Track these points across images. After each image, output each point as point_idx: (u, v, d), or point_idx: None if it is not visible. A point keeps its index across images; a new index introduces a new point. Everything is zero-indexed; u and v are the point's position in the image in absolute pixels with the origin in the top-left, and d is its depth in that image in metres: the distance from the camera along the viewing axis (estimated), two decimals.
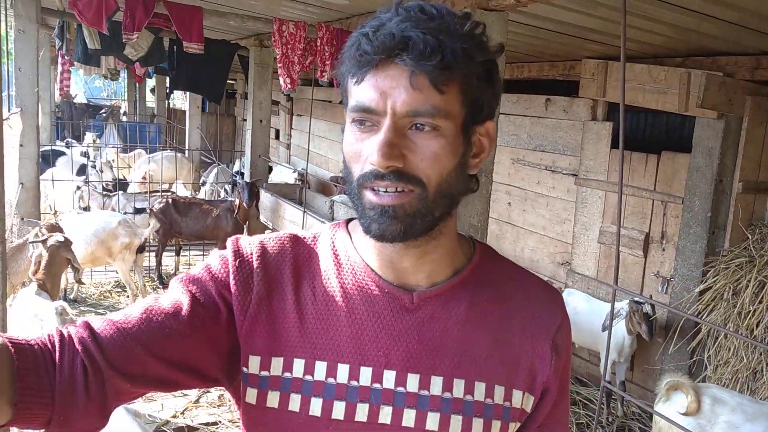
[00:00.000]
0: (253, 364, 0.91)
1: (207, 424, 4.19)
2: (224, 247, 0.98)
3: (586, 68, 5.20)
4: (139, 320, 0.87)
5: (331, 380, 0.89)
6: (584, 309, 4.78)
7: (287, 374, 0.90)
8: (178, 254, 7.71)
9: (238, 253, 0.94)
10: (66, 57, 6.67)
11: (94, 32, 5.53)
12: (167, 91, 15.14)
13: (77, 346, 0.83)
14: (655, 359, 4.78)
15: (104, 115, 16.04)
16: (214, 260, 0.95)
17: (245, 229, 7.23)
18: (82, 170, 8.99)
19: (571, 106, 5.51)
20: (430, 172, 0.85)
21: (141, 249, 6.12)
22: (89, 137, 11.49)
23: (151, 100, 18.97)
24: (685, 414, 3.24)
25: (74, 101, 15.73)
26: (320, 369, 0.89)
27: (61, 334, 0.84)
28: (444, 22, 0.84)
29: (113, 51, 6.01)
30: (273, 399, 0.90)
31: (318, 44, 4.98)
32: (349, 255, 0.96)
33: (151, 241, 7.00)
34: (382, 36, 0.83)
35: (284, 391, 0.90)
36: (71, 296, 6.40)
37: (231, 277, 0.92)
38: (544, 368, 0.95)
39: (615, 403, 4.81)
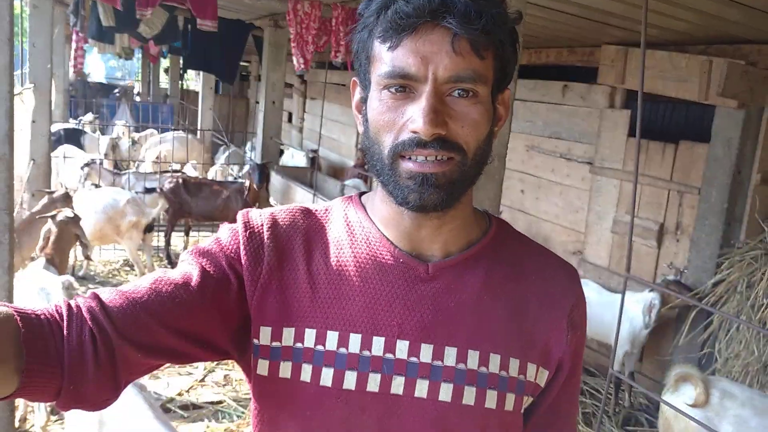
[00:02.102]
0: (264, 335, 0.90)
1: (212, 403, 4.20)
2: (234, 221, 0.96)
3: (605, 54, 5.10)
4: (148, 290, 0.85)
5: (342, 350, 0.87)
6: (596, 301, 4.73)
7: (299, 344, 0.88)
8: (187, 234, 7.70)
9: (248, 225, 0.93)
10: (80, 34, 6.65)
11: (108, 9, 5.49)
12: (180, 70, 15.18)
13: (85, 315, 0.81)
14: (665, 350, 4.73)
15: (118, 94, 16.05)
16: (224, 233, 0.94)
17: None
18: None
19: (588, 93, 5.42)
20: (469, 139, 0.84)
21: (149, 228, 6.11)
22: (89, 116, 11.47)
23: (164, 81, 18.98)
24: (693, 406, 3.20)
25: (89, 80, 15.75)
26: (332, 339, 0.88)
27: (69, 304, 0.82)
28: None
29: (127, 28, 5.98)
30: (285, 370, 0.89)
31: (333, 24, 4.93)
32: (364, 226, 0.94)
33: (161, 220, 6.99)
34: None
35: (296, 361, 0.88)
36: (80, 273, 6.41)
37: (241, 248, 0.91)
38: (559, 343, 0.94)
39: (622, 393, 4.77)
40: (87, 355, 0.79)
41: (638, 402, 4.79)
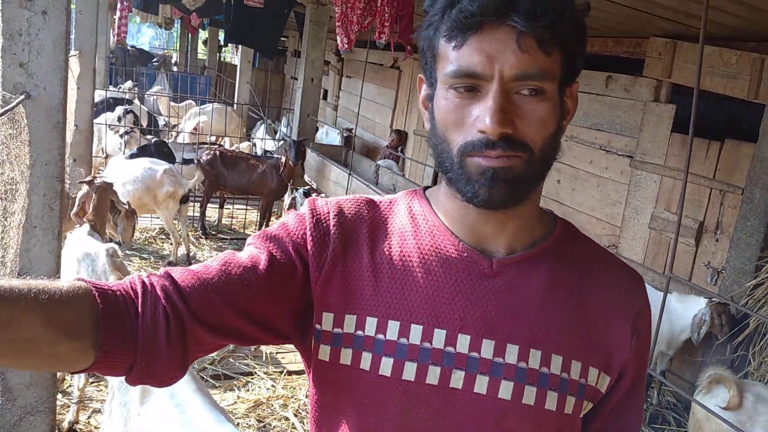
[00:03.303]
0: (327, 320, 0.91)
1: (242, 374, 4.27)
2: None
3: (652, 47, 5.00)
4: (219, 272, 0.87)
5: (403, 340, 0.88)
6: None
7: (359, 332, 0.89)
8: (221, 207, 7.80)
9: (314, 212, 0.94)
10: (125, 3, 6.70)
11: None
12: (219, 43, 15.23)
13: (159, 293, 0.83)
14: (697, 350, 4.68)
15: (156, 63, 16.19)
16: (291, 219, 0.95)
17: (289, 187, 7.27)
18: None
19: (633, 86, 5.32)
20: (536, 137, 0.83)
21: (185, 199, 6.19)
22: (128, 84, 11.58)
23: (202, 52, 19.08)
24: (726, 408, 3.16)
25: (128, 47, 15.90)
26: (393, 328, 0.88)
27: (143, 282, 0.84)
28: None
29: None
30: (345, 356, 0.90)
31: (378, 4, 4.89)
32: (428, 218, 0.95)
33: (196, 191, 7.08)
34: None
35: (356, 348, 0.89)
36: (117, 239, 6.52)
37: (308, 234, 0.92)
38: (623, 350, 0.92)
39: (651, 390, 4.74)
40: (160, 333, 0.81)
41: (666, 400, 4.75)
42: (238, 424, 3.73)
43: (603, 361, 0.92)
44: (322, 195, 6.96)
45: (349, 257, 0.92)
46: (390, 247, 0.92)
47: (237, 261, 0.89)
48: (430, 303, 0.88)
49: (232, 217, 7.96)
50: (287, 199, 7.38)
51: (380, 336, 0.88)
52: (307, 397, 4.13)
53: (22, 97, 2.20)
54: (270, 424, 3.81)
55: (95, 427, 3.61)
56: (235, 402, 3.94)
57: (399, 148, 8.29)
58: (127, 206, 4.81)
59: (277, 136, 9.18)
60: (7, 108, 1.90)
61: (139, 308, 0.81)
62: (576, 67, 0.88)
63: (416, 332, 0.88)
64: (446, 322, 0.88)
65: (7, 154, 1.79)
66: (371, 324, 0.89)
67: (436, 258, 0.91)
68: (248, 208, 7.94)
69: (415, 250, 0.92)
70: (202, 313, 0.84)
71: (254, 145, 9.24)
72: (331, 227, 0.93)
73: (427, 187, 1.02)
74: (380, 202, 0.99)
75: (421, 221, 0.95)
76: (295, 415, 3.92)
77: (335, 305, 0.90)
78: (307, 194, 6.26)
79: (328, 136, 9.75)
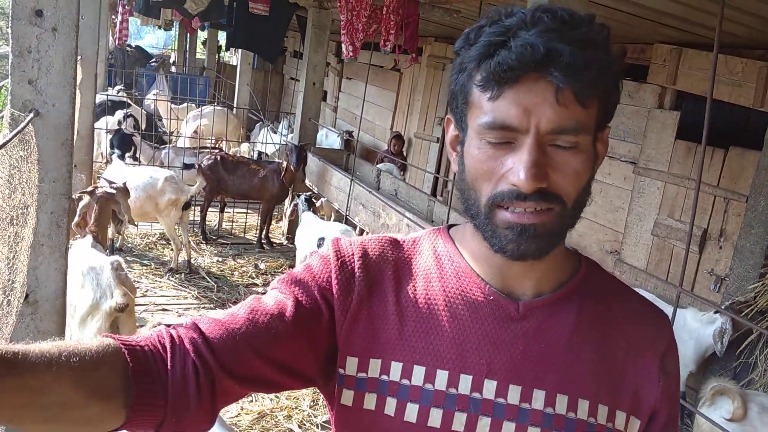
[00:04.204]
0: (351, 365, 0.90)
1: None
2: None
3: (657, 53, 5.00)
4: (246, 321, 0.86)
5: (428, 386, 0.87)
6: None
7: (384, 377, 0.88)
8: (222, 211, 7.78)
9: (339, 254, 0.93)
10: (126, 6, 6.67)
11: None
12: (219, 44, 15.17)
13: (188, 347, 0.82)
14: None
15: (155, 64, 16.13)
16: (315, 261, 0.94)
17: (290, 192, 7.25)
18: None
19: (637, 92, 5.32)
20: (570, 189, 0.82)
21: (187, 205, 6.18)
22: (116, 89, 11.45)
23: (200, 52, 19.02)
24: (731, 420, 3.16)
25: (128, 49, 15.84)
26: (418, 374, 0.87)
27: (171, 336, 0.83)
28: (583, 31, 0.80)
29: (174, 3, 5.99)
30: (370, 401, 0.89)
31: (384, 12, 4.87)
32: (453, 260, 0.94)
33: (196, 196, 7.07)
34: (524, 48, 0.77)
35: (381, 393, 0.88)
36: (117, 245, 6.50)
37: (333, 278, 0.91)
38: (651, 391, 0.91)
39: None
40: (190, 387, 0.80)
41: None
42: None
43: (631, 404, 0.90)
44: (324, 200, 6.95)
45: (374, 301, 0.91)
46: (415, 290, 0.91)
47: (263, 308, 0.88)
48: (456, 348, 0.87)
49: (233, 222, 7.94)
50: (288, 203, 7.36)
51: (405, 381, 0.87)
52: (311, 407, 4.12)
53: (32, 115, 2.18)
54: None
55: None
56: (239, 414, 3.93)
57: (402, 156, 8.26)
58: (127, 217, 4.79)
59: (279, 139, 9.11)
60: (18, 129, 1.88)
61: (169, 363, 0.80)
62: (611, 113, 0.86)
63: (442, 378, 0.87)
64: (472, 367, 0.87)
65: (18, 178, 1.77)
66: (396, 369, 0.88)
67: (462, 301, 0.90)
68: (249, 212, 7.91)
69: (440, 292, 0.91)
70: (231, 365, 0.83)
71: (254, 146, 9.21)
72: (356, 270, 0.92)
73: (450, 226, 1.01)
74: (404, 241, 0.98)
75: (446, 262, 0.94)
76: (300, 427, 3.91)
77: (360, 349, 0.89)
78: (308, 200, 6.24)
79: (328, 138, 9.72)
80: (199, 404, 0.81)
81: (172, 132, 9.42)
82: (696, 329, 4.12)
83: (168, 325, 0.87)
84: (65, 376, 0.71)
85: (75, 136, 5.67)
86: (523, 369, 0.87)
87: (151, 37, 25.77)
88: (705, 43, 4.69)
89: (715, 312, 4.09)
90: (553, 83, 0.77)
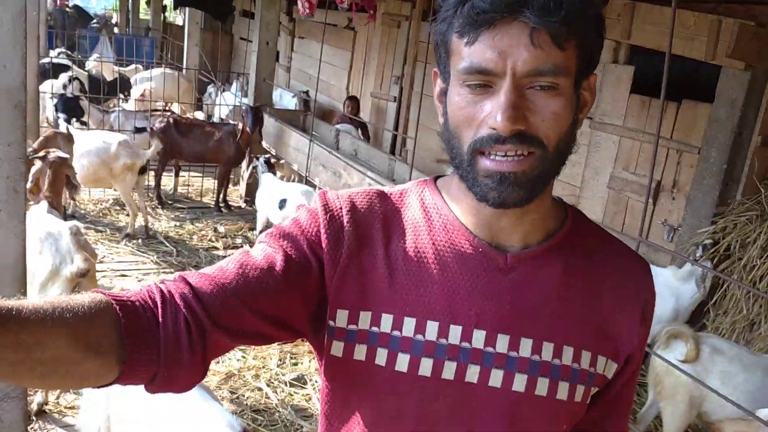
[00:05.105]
0: (341, 317, 0.91)
1: None
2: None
3: (611, 8, 5.03)
4: (235, 275, 0.86)
5: (419, 337, 0.89)
6: None
7: (375, 328, 0.90)
8: (177, 175, 7.63)
9: (327, 208, 0.93)
10: None
11: None
12: (163, 4, 14.64)
13: (179, 301, 0.82)
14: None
15: (96, 26, 15.48)
16: (303, 215, 0.94)
17: (246, 154, 7.13)
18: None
19: None
20: (550, 132, 0.83)
21: (143, 170, 6.03)
22: (54, 52, 10.99)
23: (143, 12, 18.33)
24: (684, 361, 3.31)
25: (67, 9, 15.15)
26: (409, 325, 0.89)
27: (161, 291, 0.83)
28: None
29: None
30: (360, 352, 0.90)
31: None
32: (441, 212, 0.94)
33: (151, 160, 6.90)
34: None
35: (371, 345, 0.90)
36: (69, 211, 6.32)
37: (322, 231, 0.91)
38: (631, 337, 0.95)
39: None
40: (182, 342, 0.81)
41: None
42: None
43: (612, 349, 0.94)
44: (282, 162, 6.86)
45: (363, 253, 0.91)
46: (404, 243, 0.92)
47: (253, 262, 0.88)
48: (446, 299, 0.89)
49: (189, 186, 7.79)
50: (245, 166, 7.25)
51: (396, 333, 0.89)
52: (278, 366, 4.15)
53: None
54: (243, 395, 3.81)
55: (65, 407, 3.54)
56: (206, 375, 3.92)
57: (355, 116, 8.18)
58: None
59: (234, 101, 8.90)
60: None
61: (160, 318, 0.81)
62: (594, 60, 0.87)
63: (432, 329, 0.88)
64: (462, 318, 0.89)
65: None
66: (387, 321, 0.89)
67: (451, 254, 0.91)
68: (205, 175, 7.78)
69: (429, 245, 0.92)
70: (222, 319, 0.84)
71: (207, 110, 9.00)
72: (345, 223, 0.92)
73: (438, 177, 1.01)
74: (391, 194, 0.98)
75: (434, 215, 0.94)
76: (268, 385, 3.93)
77: (350, 302, 0.90)
78: (268, 162, 6.16)
79: (282, 99, 9.56)
80: (192, 358, 0.82)
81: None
82: (677, 287, 4.23)
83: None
84: (59, 332, 0.72)
85: None
86: (511, 319, 0.89)
87: None
88: None
89: (694, 261, 4.18)
90: (527, 26, 0.78)
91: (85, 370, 0.75)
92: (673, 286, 4.24)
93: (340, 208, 0.93)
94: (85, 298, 0.76)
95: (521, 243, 0.92)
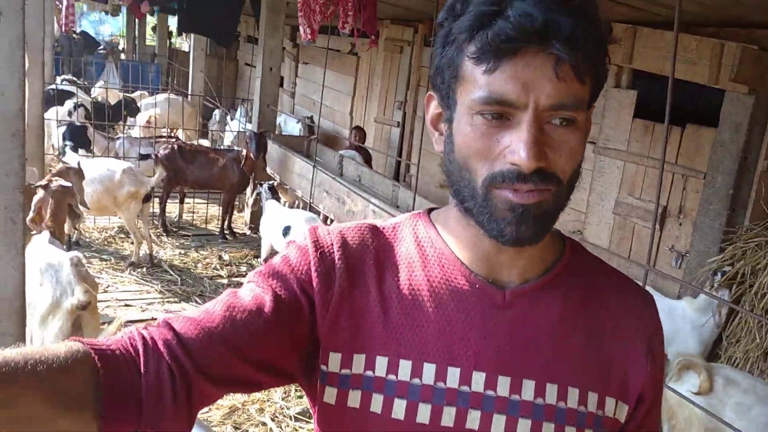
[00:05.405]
0: (334, 361, 0.86)
1: None
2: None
3: (613, 32, 5.04)
4: (222, 319, 0.81)
5: (416, 381, 0.83)
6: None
7: (369, 372, 0.84)
8: (182, 202, 7.62)
9: (317, 244, 0.88)
10: None
11: None
12: (169, 30, 14.80)
13: (161, 349, 0.77)
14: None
15: (103, 51, 15.66)
16: (293, 252, 0.89)
17: (251, 180, 7.13)
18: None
19: None
20: (567, 168, 0.79)
21: (147, 198, 6.02)
22: (58, 79, 11.04)
23: (150, 38, 18.53)
24: (697, 393, 3.24)
25: (74, 35, 15.32)
26: (405, 368, 0.84)
27: (143, 337, 0.78)
28: (579, 2, 0.76)
29: None
30: (354, 399, 0.85)
31: None
32: (436, 246, 0.90)
33: (156, 187, 6.91)
34: (524, 18, 0.73)
35: (366, 390, 0.84)
36: (74, 239, 6.31)
37: (312, 270, 0.86)
38: (638, 375, 0.89)
39: None
40: (165, 393, 0.76)
41: None
42: None
43: (620, 389, 0.89)
44: (287, 188, 6.86)
45: (356, 292, 0.87)
46: (398, 279, 0.88)
47: (241, 304, 0.83)
48: (443, 339, 0.84)
49: (193, 213, 7.79)
50: (249, 192, 7.24)
51: (391, 376, 0.84)
52: (283, 399, 4.09)
53: None
54: (248, 431, 3.75)
55: None
56: (210, 410, 3.86)
57: (365, 152, 8.17)
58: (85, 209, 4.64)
59: (238, 126, 8.93)
60: None
61: (142, 368, 0.76)
62: (598, 91, 0.83)
63: (429, 371, 0.83)
64: (460, 359, 0.84)
65: None
66: (381, 364, 0.84)
67: (446, 290, 0.86)
68: (209, 202, 7.77)
69: (424, 281, 0.87)
70: (208, 367, 0.79)
71: (212, 136, 9.02)
72: (336, 261, 0.87)
73: (431, 209, 0.97)
74: (384, 228, 0.93)
75: (429, 249, 0.90)
76: (272, 419, 3.86)
77: (343, 344, 0.85)
78: (272, 189, 6.14)
79: (287, 124, 9.59)
80: (176, 410, 0.77)
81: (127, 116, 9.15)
82: (696, 319, 4.11)
83: (132, 321, 0.82)
84: (32, 387, 0.67)
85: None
86: (511, 359, 0.84)
87: (95, 22, 24.94)
88: (659, 21, 4.75)
89: (705, 291, 4.07)
90: (552, 57, 0.74)
91: (60, 427, 0.70)
92: (693, 319, 4.12)
93: (331, 244, 0.88)
94: (61, 347, 0.72)
95: (520, 278, 0.87)
